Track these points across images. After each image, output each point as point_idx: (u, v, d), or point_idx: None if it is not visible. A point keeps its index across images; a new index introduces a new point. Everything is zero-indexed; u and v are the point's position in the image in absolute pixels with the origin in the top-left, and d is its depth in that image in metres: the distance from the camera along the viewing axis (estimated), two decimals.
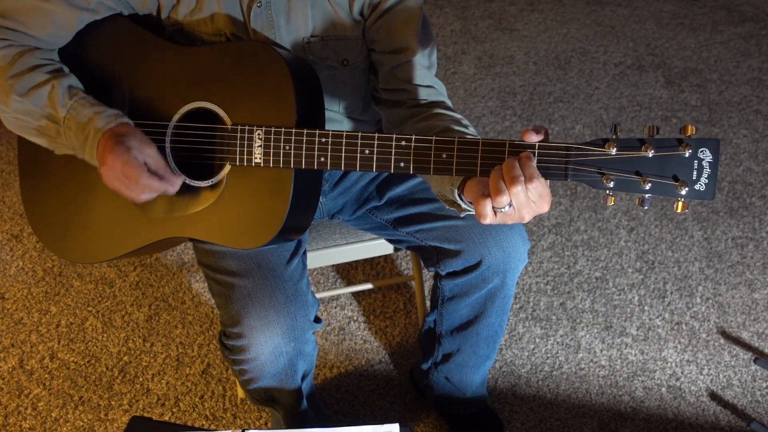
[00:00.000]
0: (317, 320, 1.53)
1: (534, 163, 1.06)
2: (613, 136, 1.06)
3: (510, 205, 1.05)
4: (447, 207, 1.27)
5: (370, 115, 1.58)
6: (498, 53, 3.28)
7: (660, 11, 3.52)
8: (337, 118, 1.53)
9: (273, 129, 1.24)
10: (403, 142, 1.16)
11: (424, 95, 1.41)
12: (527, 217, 1.07)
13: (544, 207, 1.07)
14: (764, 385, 1.99)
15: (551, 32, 3.41)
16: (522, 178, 1.04)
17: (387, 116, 1.47)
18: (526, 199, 1.05)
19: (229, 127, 1.27)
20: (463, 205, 1.20)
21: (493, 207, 1.06)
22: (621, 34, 3.37)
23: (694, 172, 1.04)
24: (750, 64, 3.15)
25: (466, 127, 1.30)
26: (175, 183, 1.29)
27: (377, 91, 1.47)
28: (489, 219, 1.07)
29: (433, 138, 1.14)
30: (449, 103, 1.42)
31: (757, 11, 3.50)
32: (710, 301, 2.21)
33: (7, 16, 1.31)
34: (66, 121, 1.27)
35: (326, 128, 1.32)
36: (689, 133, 1.02)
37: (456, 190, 1.18)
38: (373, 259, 2.35)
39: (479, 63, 3.22)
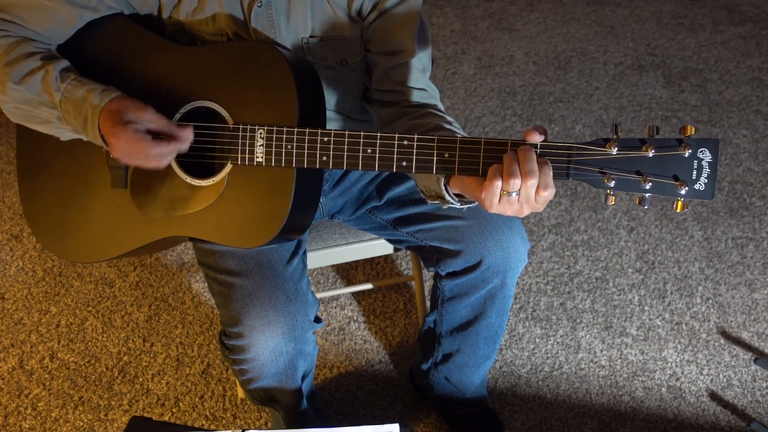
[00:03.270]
0: (317, 320, 1.53)
1: (551, 171, 1.07)
2: (614, 136, 1.06)
3: (518, 193, 1.07)
4: (429, 201, 1.28)
5: (368, 115, 1.58)
6: (498, 53, 3.28)
7: (660, 11, 3.52)
8: (335, 117, 1.53)
9: (275, 128, 1.24)
10: (406, 142, 1.16)
11: (417, 97, 1.42)
12: (525, 212, 1.09)
13: (541, 209, 1.10)
14: (764, 385, 1.99)
15: (551, 32, 3.41)
16: (537, 174, 1.06)
17: (378, 115, 1.48)
18: (534, 199, 1.07)
19: (231, 126, 1.27)
20: (447, 197, 1.21)
21: (501, 188, 1.08)
22: (621, 34, 3.37)
23: (694, 172, 1.05)
24: (750, 64, 3.16)
25: (456, 128, 1.31)
26: (184, 137, 1.27)
27: (370, 91, 1.47)
28: (495, 204, 1.09)
29: (436, 137, 1.15)
30: (441, 106, 1.43)
31: (757, 11, 3.50)
32: (710, 301, 2.21)
33: (7, 11, 1.31)
34: (62, 104, 1.27)
35: (326, 127, 1.32)
36: (689, 134, 1.02)
37: (442, 181, 1.19)
38: (373, 259, 2.35)
39: (479, 63, 3.22)
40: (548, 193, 1.07)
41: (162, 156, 1.25)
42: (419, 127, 1.33)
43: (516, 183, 1.06)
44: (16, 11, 1.31)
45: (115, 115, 1.24)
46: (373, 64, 1.44)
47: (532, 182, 1.06)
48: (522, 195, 1.07)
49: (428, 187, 1.26)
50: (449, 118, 1.34)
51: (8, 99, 1.30)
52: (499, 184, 1.07)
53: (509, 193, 1.07)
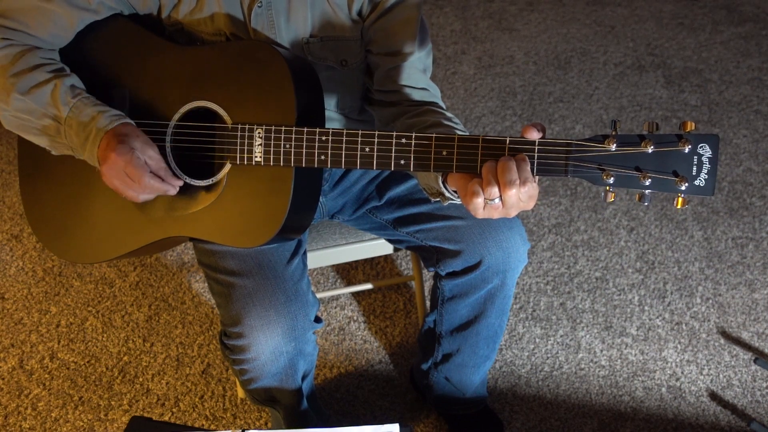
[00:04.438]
0: (317, 320, 1.53)
1: (529, 165, 1.07)
2: (613, 132, 1.06)
3: (500, 198, 1.07)
4: (432, 199, 1.29)
5: (368, 115, 1.58)
6: (498, 53, 3.28)
7: (660, 11, 3.52)
8: (335, 117, 1.53)
9: (273, 127, 1.24)
10: (404, 140, 1.16)
11: (418, 97, 1.42)
12: (513, 214, 1.09)
13: (530, 205, 1.09)
14: (764, 385, 1.99)
15: (551, 32, 3.41)
16: (517, 182, 1.05)
17: (378, 116, 1.48)
18: (517, 200, 1.07)
19: (230, 126, 1.27)
20: (447, 194, 1.22)
21: (483, 198, 1.08)
22: (621, 34, 3.37)
23: (694, 168, 1.04)
24: (750, 64, 3.16)
25: (455, 123, 1.31)
26: (175, 185, 1.30)
27: (371, 92, 1.47)
28: (480, 212, 1.09)
29: (434, 135, 1.15)
30: (442, 104, 1.43)
31: (757, 11, 3.50)
32: (710, 301, 2.21)
33: (8, 16, 1.31)
34: (68, 120, 1.28)
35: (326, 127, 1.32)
36: (689, 129, 1.02)
37: (440, 178, 1.20)
38: (373, 259, 2.35)
39: (479, 63, 3.22)
40: (528, 188, 1.06)
41: (149, 189, 1.28)
42: (418, 124, 1.33)
43: (495, 191, 1.06)
44: (18, 16, 1.32)
45: (123, 137, 1.26)
46: (374, 65, 1.44)
47: (513, 192, 1.05)
48: (505, 202, 1.07)
49: (428, 184, 1.26)
50: (449, 114, 1.35)
51: (9, 108, 1.30)
52: (479, 201, 1.08)
53: (491, 200, 1.07)
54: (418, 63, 1.42)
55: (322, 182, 1.51)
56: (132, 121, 1.30)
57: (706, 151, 1.03)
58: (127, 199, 1.31)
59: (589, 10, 3.56)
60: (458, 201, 1.22)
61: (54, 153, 1.37)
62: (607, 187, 1.08)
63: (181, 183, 1.31)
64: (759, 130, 2.80)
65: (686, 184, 1.04)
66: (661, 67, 3.15)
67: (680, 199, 1.05)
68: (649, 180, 1.05)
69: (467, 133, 1.26)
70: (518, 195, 1.06)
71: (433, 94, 1.44)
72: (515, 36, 3.39)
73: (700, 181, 1.04)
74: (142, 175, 1.25)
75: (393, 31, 1.39)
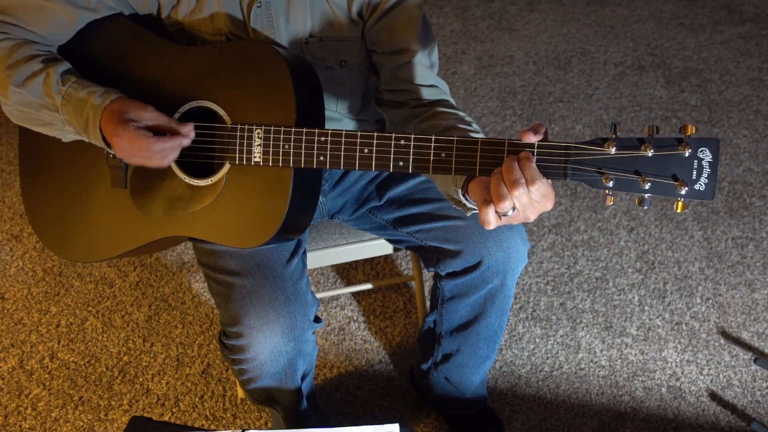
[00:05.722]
0: (317, 320, 1.53)
1: (534, 163, 1.05)
2: (613, 136, 1.05)
3: (514, 208, 1.04)
4: (454, 206, 1.27)
5: (368, 115, 1.58)
6: (498, 53, 3.28)
7: (660, 11, 3.52)
8: (335, 117, 1.53)
9: (272, 128, 1.24)
10: (402, 141, 1.16)
11: (427, 95, 1.41)
12: (532, 217, 1.05)
13: (548, 205, 1.05)
14: (764, 385, 1.99)
15: (551, 32, 3.41)
16: (523, 181, 1.02)
17: (389, 117, 1.47)
18: (530, 200, 1.03)
19: (229, 126, 1.28)
20: (469, 205, 1.20)
21: (496, 212, 1.05)
22: (621, 34, 3.37)
23: (694, 172, 1.03)
24: (750, 64, 3.15)
25: (469, 124, 1.29)
26: (185, 133, 1.27)
27: (379, 92, 1.46)
28: (493, 224, 1.05)
29: (433, 137, 1.14)
30: (452, 101, 1.42)
31: (757, 11, 3.50)
32: (710, 301, 2.21)
33: (7, 12, 1.32)
34: (63, 107, 1.28)
35: (326, 127, 1.32)
36: (689, 133, 1.01)
37: (460, 191, 1.18)
38: (373, 259, 2.35)
39: (479, 63, 3.22)
40: (539, 186, 1.02)
41: (164, 152, 1.26)
42: (431, 129, 1.32)
43: (507, 204, 1.03)
44: (17, 13, 1.32)
45: (116, 114, 1.25)
46: (379, 65, 1.43)
47: (521, 191, 1.02)
48: (518, 206, 1.03)
49: (449, 194, 1.24)
50: (461, 114, 1.32)
51: (10, 102, 1.31)
52: (491, 209, 1.04)
53: (504, 214, 1.04)
54: (423, 60, 1.41)
55: (321, 182, 1.51)
56: (121, 94, 1.29)
57: (706, 155, 1.02)
58: (159, 168, 1.30)
59: (589, 10, 3.56)
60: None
61: (64, 140, 1.37)
62: (607, 191, 1.07)
63: (191, 127, 1.27)
64: (759, 130, 2.80)
65: (686, 189, 1.02)
66: (661, 67, 3.15)
67: (680, 203, 1.04)
68: (649, 184, 1.04)
69: (479, 133, 1.25)
70: (529, 195, 1.02)
71: (441, 90, 1.42)
72: (515, 36, 3.39)
73: (700, 186, 1.03)
74: (149, 144, 1.23)
75: (396, 29, 1.39)
